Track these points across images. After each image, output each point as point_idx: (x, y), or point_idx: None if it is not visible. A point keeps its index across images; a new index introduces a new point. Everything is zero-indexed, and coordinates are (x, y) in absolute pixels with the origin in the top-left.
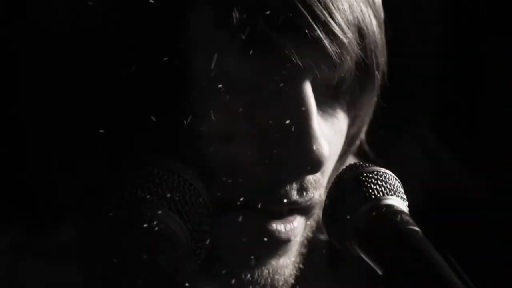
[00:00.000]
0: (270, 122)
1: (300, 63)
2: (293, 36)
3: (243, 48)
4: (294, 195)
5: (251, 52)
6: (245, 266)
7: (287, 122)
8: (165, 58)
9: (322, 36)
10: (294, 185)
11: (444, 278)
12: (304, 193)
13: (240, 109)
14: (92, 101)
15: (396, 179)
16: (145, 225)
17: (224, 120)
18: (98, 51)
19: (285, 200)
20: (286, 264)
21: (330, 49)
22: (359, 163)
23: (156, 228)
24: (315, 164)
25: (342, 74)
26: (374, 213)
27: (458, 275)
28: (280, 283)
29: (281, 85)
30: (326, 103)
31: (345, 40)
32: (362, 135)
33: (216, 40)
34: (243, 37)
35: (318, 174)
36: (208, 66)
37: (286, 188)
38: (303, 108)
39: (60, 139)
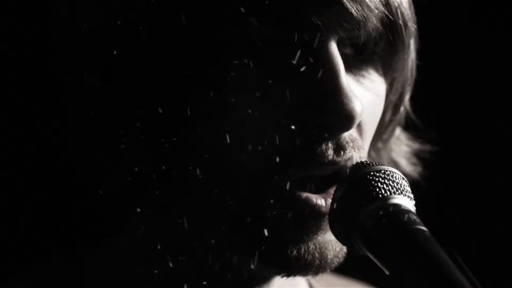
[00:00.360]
0: (299, 85)
1: (320, 23)
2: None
3: (261, 14)
4: (331, 155)
5: (270, 18)
6: (290, 241)
7: (316, 82)
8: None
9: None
10: (330, 145)
11: (451, 278)
12: (342, 152)
13: (268, 76)
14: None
15: (403, 178)
16: None
17: (253, 88)
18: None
19: (323, 161)
20: (334, 239)
21: (350, 6)
22: (366, 161)
23: None
24: (346, 119)
25: (369, 33)
26: (381, 212)
27: (465, 275)
28: (329, 257)
29: (305, 46)
30: (357, 66)
31: None
32: (407, 104)
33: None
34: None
35: (354, 134)
36: (232, 32)
37: (322, 148)
38: (329, 66)
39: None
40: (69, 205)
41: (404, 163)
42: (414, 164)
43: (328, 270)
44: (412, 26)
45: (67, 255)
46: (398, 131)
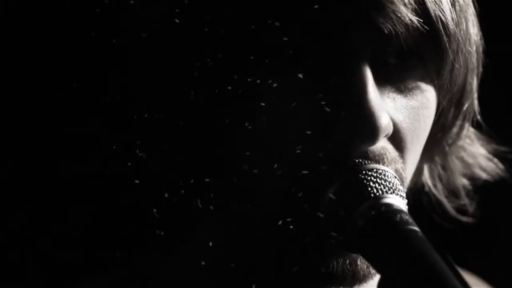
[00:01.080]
0: (329, 97)
1: (351, 37)
2: (340, 17)
3: (297, 25)
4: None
5: (305, 29)
6: (321, 256)
7: (343, 95)
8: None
9: (372, 13)
10: (357, 158)
11: (444, 280)
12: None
13: (301, 87)
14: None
15: (395, 177)
16: None
17: (286, 97)
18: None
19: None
20: None
21: (379, 23)
22: (358, 160)
23: None
24: (369, 134)
25: (403, 44)
26: (373, 212)
27: (457, 277)
28: (362, 270)
29: (337, 59)
30: (401, 75)
31: (390, 7)
32: (474, 105)
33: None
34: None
35: (388, 146)
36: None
37: (348, 161)
38: (356, 80)
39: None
40: (130, 216)
41: (481, 162)
42: (493, 163)
43: (364, 282)
44: (462, 30)
45: (131, 265)
46: (467, 131)
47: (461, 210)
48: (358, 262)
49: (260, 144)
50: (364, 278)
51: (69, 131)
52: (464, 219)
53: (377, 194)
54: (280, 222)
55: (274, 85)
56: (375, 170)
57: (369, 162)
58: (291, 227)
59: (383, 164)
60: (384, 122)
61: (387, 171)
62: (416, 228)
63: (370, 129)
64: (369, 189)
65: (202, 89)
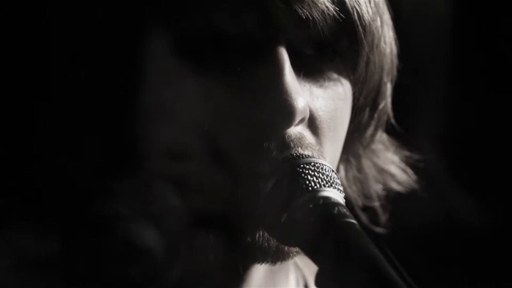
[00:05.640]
0: (245, 82)
1: (267, 22)
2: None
3: (209, 10)
4: (273, 152)
5: (218, 14)
6: (245, 229)
7: (260, 79)
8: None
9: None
10: (273, 142)
11: (382, 272)
12: (285, 150)
13: (218, 75)
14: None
15: (332, 170)
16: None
17: (202, 86)
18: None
19: (264, 157)
20: None
21: (296, 6)
22: (296, 153)
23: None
24: (285, 115)
25: (320, 32)
26: (311, 205)
27: (395, 269)
28: (286, 249)
29: (253, 45)
30: (319, 66)
31: None
32: (388, 108)
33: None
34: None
35: (305, 132)
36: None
37: (264, 145)
38: (273, 63)
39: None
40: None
41: (394, 171)
42: (406, 172)
43: (288, 258)
44: (377, 26)
45: None
46: (381, 136)
47: (374, 220)
48: None
49: (182, 135)
50: (288, 254)
51: None
52: (377, 229)
53: (315, 187)
54: (210, 220)
55: (193, 76)
56: (312, 163)
57: (306, 156)
58: (222, 223)
59: (300, 149)
60: (301, 104)
61: (325, 165)
62: (354, 221)
63: (287, 110)
64: (307, 182)
65: (115, 91)
